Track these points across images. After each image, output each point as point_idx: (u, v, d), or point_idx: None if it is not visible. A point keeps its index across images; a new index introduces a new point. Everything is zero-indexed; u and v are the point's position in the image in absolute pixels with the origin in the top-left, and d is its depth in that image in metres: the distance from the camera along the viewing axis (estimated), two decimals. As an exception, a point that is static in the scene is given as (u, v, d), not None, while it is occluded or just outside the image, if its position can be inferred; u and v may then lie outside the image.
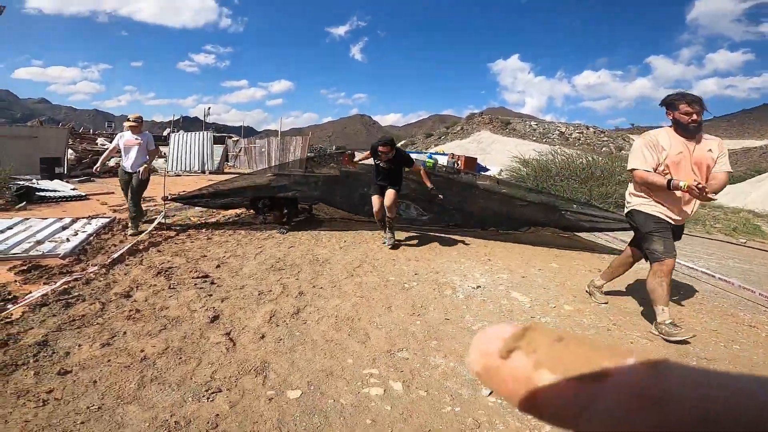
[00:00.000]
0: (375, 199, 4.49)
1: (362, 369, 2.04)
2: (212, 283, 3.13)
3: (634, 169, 2.67)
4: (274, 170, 5.32)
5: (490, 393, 1.87)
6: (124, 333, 2.24)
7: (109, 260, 3.49)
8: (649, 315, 2.94)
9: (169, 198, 5.11)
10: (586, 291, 3.31)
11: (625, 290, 3.50)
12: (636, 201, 2.78)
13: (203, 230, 5.03)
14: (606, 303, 3.14)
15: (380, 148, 4.20)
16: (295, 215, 5.61)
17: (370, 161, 4.65)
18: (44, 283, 2.95)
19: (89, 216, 5.44)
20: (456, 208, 5.62)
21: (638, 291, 3.45)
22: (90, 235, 4.35)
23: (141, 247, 4.02)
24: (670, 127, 2.64)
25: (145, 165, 4.70)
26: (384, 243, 4.56)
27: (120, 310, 2.53)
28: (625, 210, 2.90)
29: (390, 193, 4.33)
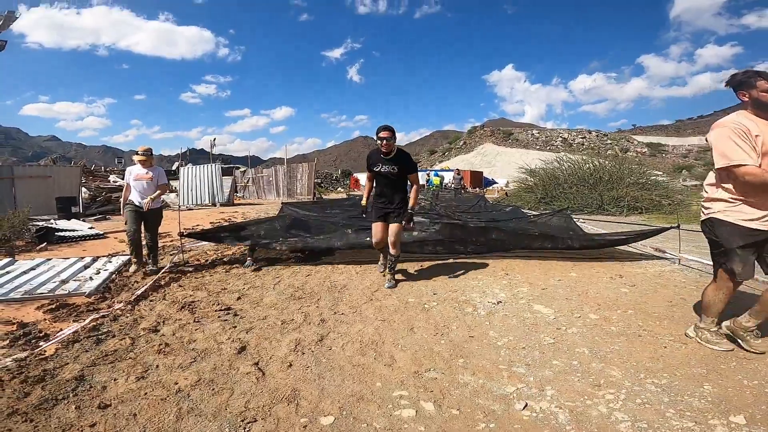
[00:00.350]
0: (376, 227, 3.98)
1: (392, 391, 2.04)
2: (235, 314, 3.17)
3: (740, 165, 2.07)
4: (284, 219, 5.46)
5: (525, 406, 1.87)
6: (157, 366, 2.28)
7: (133, 297, 3.56)
8: (680, 318, 2.91)
9: (185, 234, 5.21)
10: (732, 336, 2.43)
11: (651, 294, 3.46)
12: (718, 206, 2.28)
13: (221, 264, 5.11)
14: (763, 353, 2.31)
15: (381, 134, 3.77)
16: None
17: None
18: (74, 321, 3.03)
19: (109, 254, 5.57)
20: (470, 239, 5.45)
21: (663, 294, 3.42)
22: (112, 273, 4.44)
23: (163, 283, 4.10)
24: (744, 110, 2.22)
25: (149, 199, 4.49)
26: (385, 285, 3.91)
27: (150, 344, 2.58)
28: (703, 217, 2.41)
29: (394, 228, 3.86)
